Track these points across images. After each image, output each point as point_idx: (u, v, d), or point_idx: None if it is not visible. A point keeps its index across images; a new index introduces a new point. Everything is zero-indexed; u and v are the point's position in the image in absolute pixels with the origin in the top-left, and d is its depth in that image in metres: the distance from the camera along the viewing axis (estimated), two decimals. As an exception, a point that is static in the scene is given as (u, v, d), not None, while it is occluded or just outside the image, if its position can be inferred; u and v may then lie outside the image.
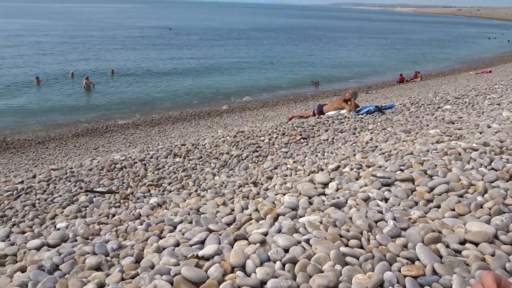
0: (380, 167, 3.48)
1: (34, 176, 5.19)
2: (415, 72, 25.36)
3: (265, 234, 2.29)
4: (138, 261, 2.25)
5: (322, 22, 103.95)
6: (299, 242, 2.14)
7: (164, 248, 2.33)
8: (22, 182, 4.99)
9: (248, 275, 1.89)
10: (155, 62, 28.24)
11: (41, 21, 60.51)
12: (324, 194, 3.11)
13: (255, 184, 4.24)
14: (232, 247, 2.18)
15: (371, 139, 5.57)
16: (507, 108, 6.25)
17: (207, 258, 2.05)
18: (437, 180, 2.83)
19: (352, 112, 7.95)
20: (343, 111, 8.25)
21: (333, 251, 1.99)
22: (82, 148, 11.61)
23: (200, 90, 20.70)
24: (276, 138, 6.39)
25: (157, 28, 56.27)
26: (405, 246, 2.06)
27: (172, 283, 1.84)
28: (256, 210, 2.83)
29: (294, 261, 1.95)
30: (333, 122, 7.16)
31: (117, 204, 4.22)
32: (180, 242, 2.39)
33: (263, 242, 2.19)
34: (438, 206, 2.54)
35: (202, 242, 2.31)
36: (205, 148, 6.05)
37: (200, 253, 2.08)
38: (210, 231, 2.51)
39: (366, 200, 2.73)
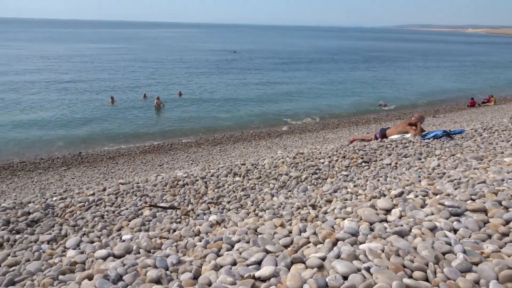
0: (448, 195, 3.28)
1: (104, 189, 5.53)
2: (488, 95, 23.83)
3: (323, 258, 2.24)
4: (196, 277, 2.30)
5: (387, 44, 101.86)
6: (359, 270, 2.06)
7: (221, 266, 2.36)
8: (93, 194, 5.33)
9: (305, 300, 1.85)
10: (219, 83, 29.24)
11: (116, 45, 65.63)
12: (386, 220, 2.98)
13: (313, 206, 4.17)
14: (289, 270, 2.15)
15: (439, 165, 5.28)
16: None
17: (263, 280, 2.04)
18: (514, 212, 2.61)
19: (418, 136, 7.61)
20: (407, 135, 7.93)
21: (395, 282, 1.89)
22: (148, 164, 12.21)
23: (262, 111, 21.04)
24: (337, 160, 6.27)
25: (222, 51, 58.48)
26: (476, 283, 1.91)
27: (228, 302, 1.85)
28: (314, 233, 2.78)
29: (353, 290, 1.88)
30: (396, 146, 6.89)
31: (178, 220, 4.36)
32: (237, 261, 2.40)
33: (320, 267, 2.14)
34: (515, 241, 2.33)
35: (259, 263, 2.30)
36: (264, 168, 6.09)
37: (257, 273, 2.07)
38: (267, 252, 2.50)
39: (433, 229, 2.58)
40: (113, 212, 4.65)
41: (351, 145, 7.53)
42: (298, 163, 6.22)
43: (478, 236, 2.43)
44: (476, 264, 2.06)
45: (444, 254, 2.19)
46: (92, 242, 3.76)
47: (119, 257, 2.98)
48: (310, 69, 40.30)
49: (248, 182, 5.55)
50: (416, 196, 3.42)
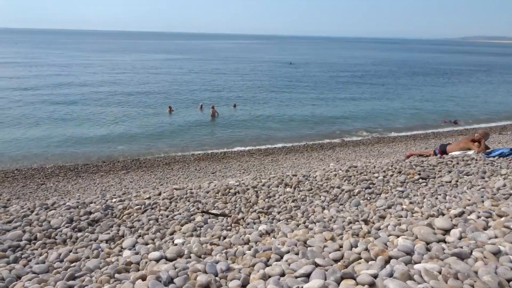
0: (515, 218, 3.05)
1: (160, 194, 5.75)
2: None
3: (375, 276, 2.17)
4: (244, 285, 2.31)
5: (448, 56, 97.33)
6: (413, 291, 1.97)
7: (269, 276, 2.36)
8: (149, 198, 5.56)
9: (354, 318, 1.80)
10: (274, 94, 29.46)
11: (175, 56, 68.41)
12: (444, 241, 2.83)
13: (366, 222, 4.06)
14: (339, 285, 2.11)
15: (504, 185, 4.92)
16: None
17: (312, 293, 2.01)
18: None
19: (482, 154, 7.16)
20: (470, 152, 7.49)
21: (453, 306, 1.78)
22: (201, 171, 12.52)
23: (315, 122, 20.86)
24: (392, 175, 6.06)
25: (278, 63, 58.95)
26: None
27: (275, 313, 1.84)
28: (366, 249, 2.70)
29: (406, 311, 1.80)
30: (457, 163, 6.53)
31: (229, 227, 4.42)
32: (285, 272, 2.39)
33: (372, 285, 2.07)
34: None
35: (307, 275, 2.28)
36: (315, 180, 6.03)
37: (305, 286, 2.05)
38: (316, 265, 2.46)
39: (496, 254, 2.41)
40: (167, 216, 4.82)
41: (407, 160, 7.25)
42: (351, 176, 6.09)
43: (549, 264, 2.24)
44: (546, 294, 1.89)
45: (508, 281, 2.04)
46: (147, 244, 3.92)
47: (171, 260, 3.08)
48: (366, 81, 39.44)
49: (299, 194, 5.52)
50: (479, 217, 3.22)
